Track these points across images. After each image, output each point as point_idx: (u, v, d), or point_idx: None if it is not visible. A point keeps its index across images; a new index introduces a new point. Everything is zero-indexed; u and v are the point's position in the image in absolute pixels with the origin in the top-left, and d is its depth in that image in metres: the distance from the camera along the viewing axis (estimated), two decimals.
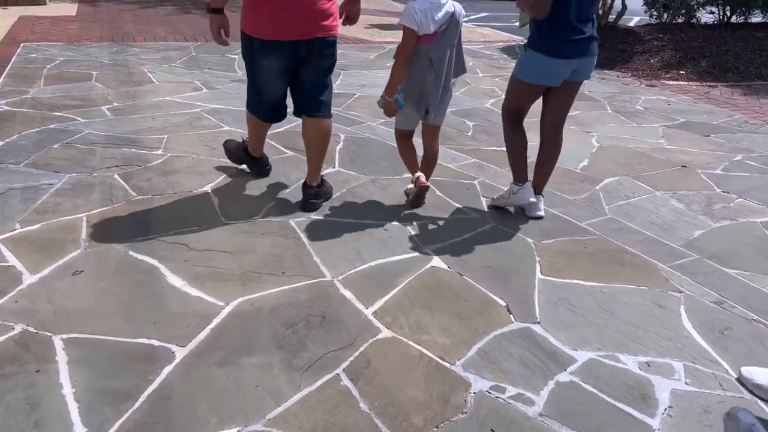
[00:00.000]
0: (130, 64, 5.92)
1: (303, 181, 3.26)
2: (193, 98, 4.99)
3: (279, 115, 3.27)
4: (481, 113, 5.11)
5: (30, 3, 8.68)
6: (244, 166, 3.63)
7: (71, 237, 2.76)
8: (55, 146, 3.78)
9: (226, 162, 3.67)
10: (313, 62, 3.00)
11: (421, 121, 3.21)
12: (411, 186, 3.28)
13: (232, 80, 5.55)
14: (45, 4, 8.86)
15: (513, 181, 3.23)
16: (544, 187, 3.28)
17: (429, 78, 2.98)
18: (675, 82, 6.62)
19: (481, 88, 5.96)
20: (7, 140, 3.83)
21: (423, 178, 3.20)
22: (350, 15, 3.20)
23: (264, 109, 3.22)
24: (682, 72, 6.91)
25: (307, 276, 2.58)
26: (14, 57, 5.87)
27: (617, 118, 5.13)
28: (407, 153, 3.29)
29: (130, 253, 2.67)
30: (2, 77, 5.19)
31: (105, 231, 2.84)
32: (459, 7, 2.97)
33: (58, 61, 5.82)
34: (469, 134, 4.56)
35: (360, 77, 6.07)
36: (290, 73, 3.05)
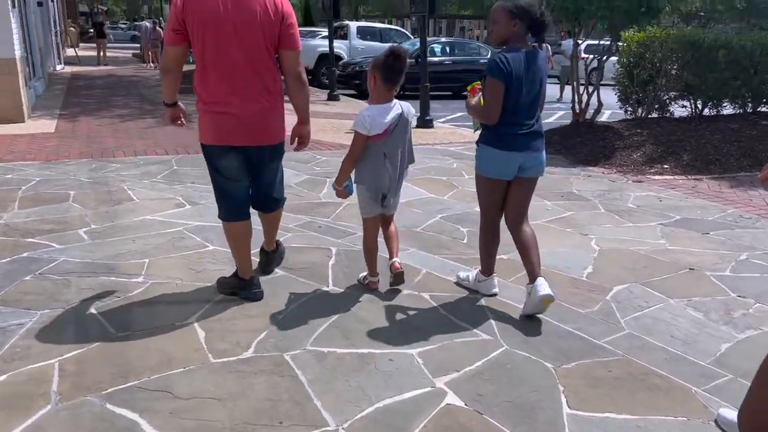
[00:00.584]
0: (109, 181, 5.76)
1: (260, 247, 3.70)
2: (176, 215, 4.80)
3: (246, 212, 3.38)
4: (473, 218, 4.98)
5: (8, 121, 8.62)
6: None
7: (41, 390, 2.46)
8: (27, 278, 3.52)
9: (211, 287, 3.44)
10: (265, 165, 3.30)
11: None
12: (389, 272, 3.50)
13: None
14: (23, 121, 8.81)
15: (480, 271, 3.50)
16: (539, 269, 3.21)
17: (385, 169, 3.31)
18: (661, 177, 6.64)
19: (468, 191, 5.88)
20: None
21: (397, 263, 3.49)
22: (301, 140, 3.42)
23: (234, 209, 3.32)
24: (666, 166, 6.95)
25: (308, 425, 2.29)
26: None
27: (612, 218, 5.03)
28: (374, 248, 3.52)
29: (108, 406, 2.36)
30: None
31: (80, 379, 2.54)
32: (407, 106, 3.35)
33: (34, 182, 5.64)
34: (464, 241, 4.40)
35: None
36: (246, 171, 3.28)
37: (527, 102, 3.10)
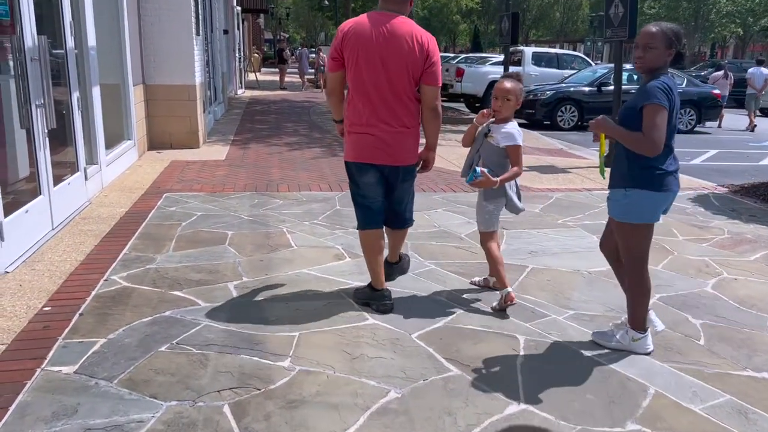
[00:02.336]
0: (269, 221, 5.34)
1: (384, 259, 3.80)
2: (334, 270, 4.18)
3: (381, 221, 3.71)
4: (705, 303, 3.82)
5: (184, 146, 8.79)
6: (388, 396, 2.63)
7: None
8: (163, 348, 3.02)
9: (366, 382, 2.70)
10: (399, 185, 3.64)
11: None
12: (495, 303, 3.67)
13: None
14: (198, 146, 8.95)
15: (634, 327, 3.16)
16: None
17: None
18: None
19: (688, 259, 4.67)
20: (111, 336, 3.14)
21: (513, 294, 3.59)
22: (426, 163, 3.73)
23: (372, 217, 3.64)
24: None
25: None
26: (153, 211, 5.51)
27: None
28: (500, 258, 3.69)
29: None
30: (134, 237, 4.74)
31: None
32: None
33: (195, 217, 5.37)
34: (701, 343, 3.28)
35: (528, 239, 5.04)
36: (383, 187, 3.61)
37: (672, 137, 2.94)
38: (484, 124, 3.70)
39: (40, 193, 4.69)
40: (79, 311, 3.41)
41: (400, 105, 3.42)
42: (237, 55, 19.52)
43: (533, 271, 4.32)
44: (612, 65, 15.67)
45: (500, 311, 3.61)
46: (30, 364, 2.84)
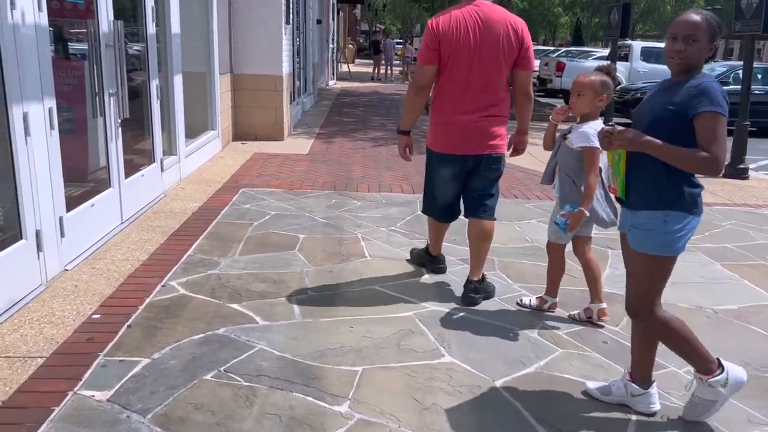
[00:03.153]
0: (344, 224, 4.93)
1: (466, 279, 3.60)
2: (409, 289, 3.71)
3: (450, 216, 3.77)
4: None
5: (268, 138, 8.58)
6: None
7: None
8: (208, 377, 2.65)
9: None
10: (481, 174, 3.53)
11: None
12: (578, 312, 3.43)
13: (461, 259, 4.20)
14: (283, 139, 8.72)
15: (632, 379, 2.61)
16: None
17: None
18: None
19: None
20: (156, 355, 2.81)
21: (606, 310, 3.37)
22: (517, 147, 3.70)
23: (437, 210, 3.75)
24: None
25: None
26: (226, 208, 5.24)
27: None
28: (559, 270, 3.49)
29: None
30: (202, 237, 4.46)
31: None
32: None
33: (268, 216, 5.05)
34: None
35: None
36: (460, 181, 3.56)
37: None
38: (567, 127, 3.23)
39: (110, 186, 4.50)
40: (128, 322, 3.12)
41: (492, 93, 3.40)
42: (330, 45, 19.39)
43: None
44: (730, 63, 14.28)
45: (582, 321, 3.37)
46: (63, 385, 2.55)
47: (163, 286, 3.59)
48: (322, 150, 8.29)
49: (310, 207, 5.41)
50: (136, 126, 5.33)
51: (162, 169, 5.54)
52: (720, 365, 2.48)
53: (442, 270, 3.97)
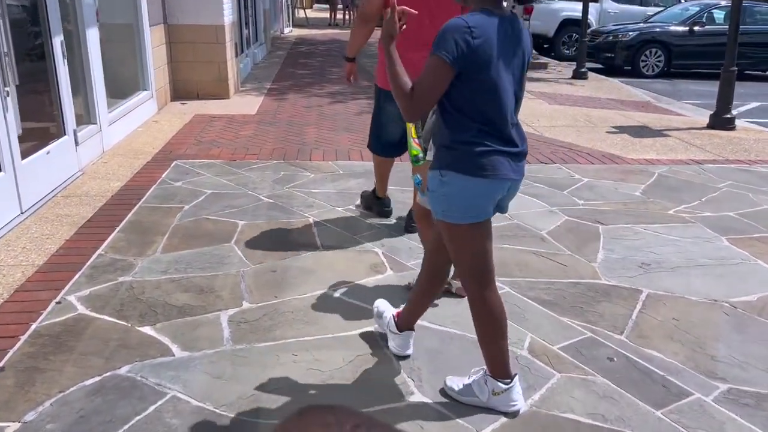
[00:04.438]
0: (293, 205, 4.20)
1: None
2: (369, 292, 3.03)
3: (393, 152, 3.79)
4: None
5: (211, 96, 7.67)
6: None
7: None
8: None
9: None
10: None
11: None
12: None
13: None
14: (228, 97, 7.82)
15: (495, 376, 2.17)
16: None
17: None
18: None
19: None
20: (30, 416, 2.09)
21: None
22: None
23: (381, 145, 3.80)
24: None
25: None
26: (153, 187, 4.45)
27: None
28: None
29: None
30: (117, 229, 3.70)
31: None
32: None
33: (203, 197, 4.28)
34: None
35: (634, 242, 3.75)
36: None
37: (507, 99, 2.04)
38: None
39: (1, 170, 3.67)
40: (1, 364, 2.39)
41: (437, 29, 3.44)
42: None
43: (651, 300, 3.06)
44: (704, 2, 13.64)
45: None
46: None
47: (58, 302, 2.84)
48: (273, 109, 7.43)
49: (254, 182, 4.65)
50: (40, 93, 4.45)
51: (77, 143, 4.69)
52: (510, 380, 2.18)
53: (388, 213, 3.99)
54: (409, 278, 3.15)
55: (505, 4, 2.06)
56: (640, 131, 6.85)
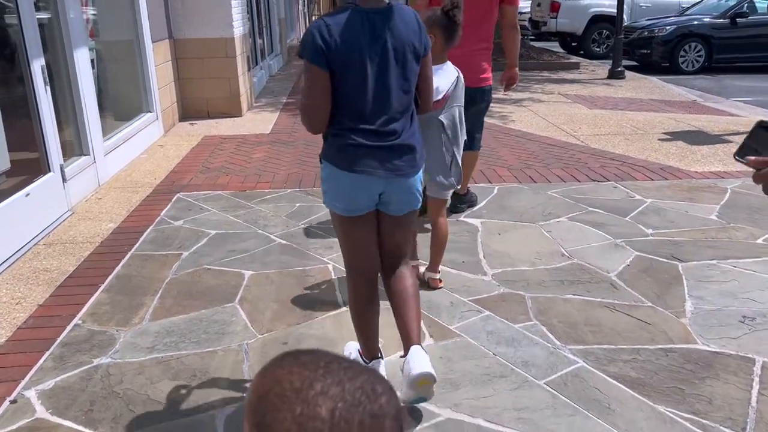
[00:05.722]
0: (310, 247, 3.59)
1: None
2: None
3: None
4: None
5: (222, 114, 7.11)
6: None
7: None
8: None
9: None
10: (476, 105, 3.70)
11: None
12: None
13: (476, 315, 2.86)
14: (241, 115, 7.25)
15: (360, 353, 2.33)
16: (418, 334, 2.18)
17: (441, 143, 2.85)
18: None
19: None
20: None
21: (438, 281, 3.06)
22: (510, 81, 3.99)
23: None
24: None
25: None
26: (149, 229, 3.86)
27: None
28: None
29: None
30: (102, 288, 3.11)
31: None
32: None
33: (204, 240, 3.68)
34: None
35: (725, 284, 3.04)
36: None
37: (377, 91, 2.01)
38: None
39: None
40: None
41: (482, 27, 3.58)
42: None
43: None
44: None
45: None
46: None
47: (12, 401, 2.25)
48: (289, 126, 6.84)
49: (265, 218, 4.04)
50: (21, 126, 3.90)
51: (64, 179, 4.13)
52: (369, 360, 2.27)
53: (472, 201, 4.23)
54: (452, 348, 2.51)
55: None
56: (697, 137, 6.10)
